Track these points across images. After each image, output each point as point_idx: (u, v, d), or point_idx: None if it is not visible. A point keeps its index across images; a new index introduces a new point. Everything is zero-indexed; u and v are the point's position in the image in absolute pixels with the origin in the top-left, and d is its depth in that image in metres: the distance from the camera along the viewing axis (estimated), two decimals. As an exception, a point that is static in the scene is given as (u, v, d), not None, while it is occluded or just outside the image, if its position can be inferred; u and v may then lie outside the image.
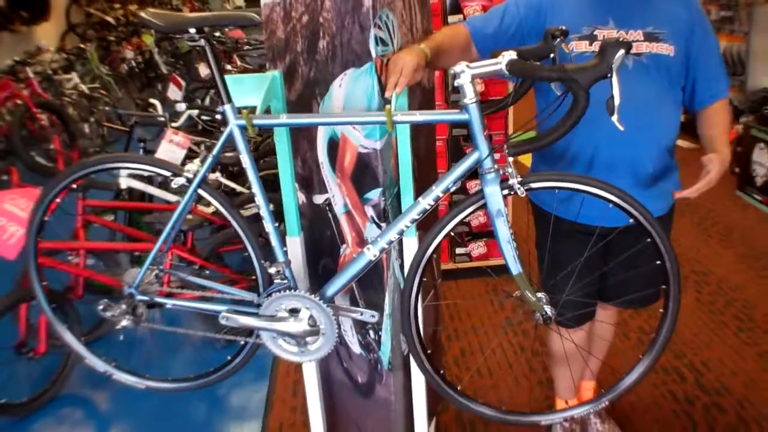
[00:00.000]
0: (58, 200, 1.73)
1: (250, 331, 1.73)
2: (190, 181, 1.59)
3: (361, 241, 1.80)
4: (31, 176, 5.07)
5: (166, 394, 2.52)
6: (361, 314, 1.74)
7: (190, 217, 2.87)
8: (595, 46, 1.69)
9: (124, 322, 1.71)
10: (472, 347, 2.95)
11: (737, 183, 4.68)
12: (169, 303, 1.72)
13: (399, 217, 1.56)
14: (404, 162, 1.71)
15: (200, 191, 1.61)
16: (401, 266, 1.84)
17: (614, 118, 1.31)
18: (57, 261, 2.70)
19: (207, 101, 5.84)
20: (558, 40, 1.47)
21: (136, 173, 3.39)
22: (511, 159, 1.47)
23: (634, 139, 1.68)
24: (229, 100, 1.54)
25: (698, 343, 2.88)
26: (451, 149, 3.37)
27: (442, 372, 1.72)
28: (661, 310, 1.69)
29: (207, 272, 2.96)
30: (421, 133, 1.99)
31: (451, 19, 3.16)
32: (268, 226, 1.61)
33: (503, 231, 1.52)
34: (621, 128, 1.32)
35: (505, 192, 1.51)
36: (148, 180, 3.53)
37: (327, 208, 1.84)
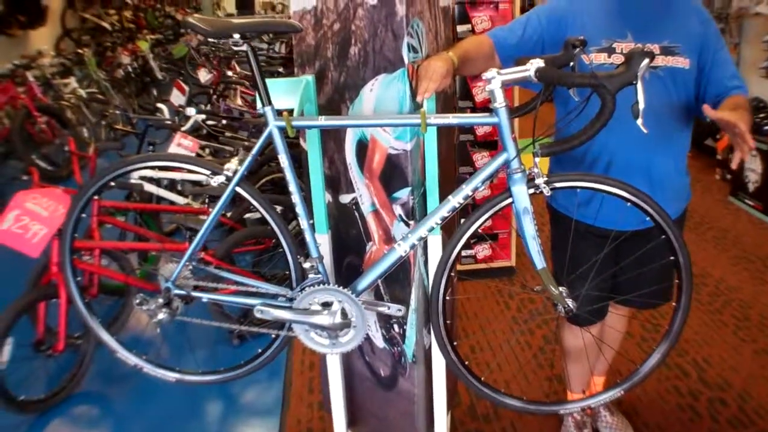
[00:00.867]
0: (96, 197, 1.78)
1: (281, 325, 1.81)
2: (229, 179, 1.66)
3: (388, 239, 1.88)
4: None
5: (182, 391, 2.58)
6: (389, 308, 1.81)
7: (202, 217, 2.94)
8: (614, 59, 1.79)
9: (161, 316, 1.77)
10: (481, 345, 3.03)
11: (730, 189, 4.82)
12: (205, 297, 1.79)
13: (430, 214, 1.64)
14: (431, 162, 1.79)
15: (238, 189, 1.68)
16: (426, 262, 1.92)
17: (639, 121, 1.41)
18: (77, 260, 2.75)
19: (208, 106, 5.91)
20: (578, 49, 1.57)
21: (146, 175, 3.47)
22: (537, 159, 1.56)
23: (650, 146, 1.78)
24: (269, 102, 1.61)
25: (699, 341, 2.99)
26: (458, 153, 3.46)
27: (467, 363, 1.80)
28: (674, 304, 1.78)
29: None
30: (443, 136, 2.08)
31: (459, 28, 3.25)
32: (303, 222, 1.69)
33: (529, 228, 1.61)
34: (645, 131, 1.42)
35: (531, 191, 1.59)
36: (157, 182, 3.60)
37: (354, 207, 1.92)
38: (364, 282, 1.72)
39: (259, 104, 1.64)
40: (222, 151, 4.10)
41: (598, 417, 2.39)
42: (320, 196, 1.85)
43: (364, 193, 1.88)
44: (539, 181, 1.57)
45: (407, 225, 1.82)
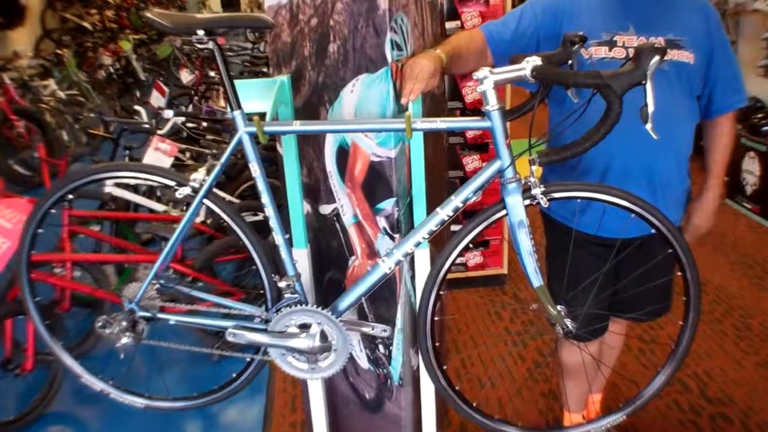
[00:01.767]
0: (52, 211, 1.63)
1: (257, 347, 1.66)
2: (196, 191, 1.52)
3: (372, 253, 1.73)
4: (9, 186, 4.93)
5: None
6: (373, 329, 1.67)
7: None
8: (615, 53, 1.65)
9: (124, 340, 1.62)
10: (472, 359, 2.89)
11: (727, 192, 4.70)
12: (173, 319, 1.64)
13: (416, 228, 1.50)
14: (417, 170, 1.65)
15: (206, 202, 1.54)
16: (413, 278, 1.78)
17: (648, 126, 1.27)
18: (44, 273, 2.59)
19: (190, 108, 5.73)
20: (576, 46, 1.43)
21: (121, 182, 3.30)
22: (534, 168, 1.42)
23: (652, 148, 1.64)
24: (239, 106, 1.47)
25: (700, 353, 2.86)
26: (448, 158, 3.32)
27: (457, 388, 1.66)
28: (680, 323, 1.65)
29: (200, 284, 2.86)
30: (430, 140, 1.94)
31: (448, 25, 3.12)
32: (278, 238, 1.54)
33: (525, 242, 1.47)
34: (655, 137, 1.28)
35: (527, 202, 1.46)
36: (134, 189, 3.44)
37: (334, 218, 1.77)
38: (345, 302, 1.58)
39: (228, 109, 1.49)
40: (203, 155, 3.93)
41: (597, 437, 2.26)
42: (298, 208, 1.71)
43: (345, 204, 1.73)
44: (536, 191, 1.44)
45: (392, 239, 1.68)
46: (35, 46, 9.07)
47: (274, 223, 1.53)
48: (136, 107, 4.20)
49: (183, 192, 1.51)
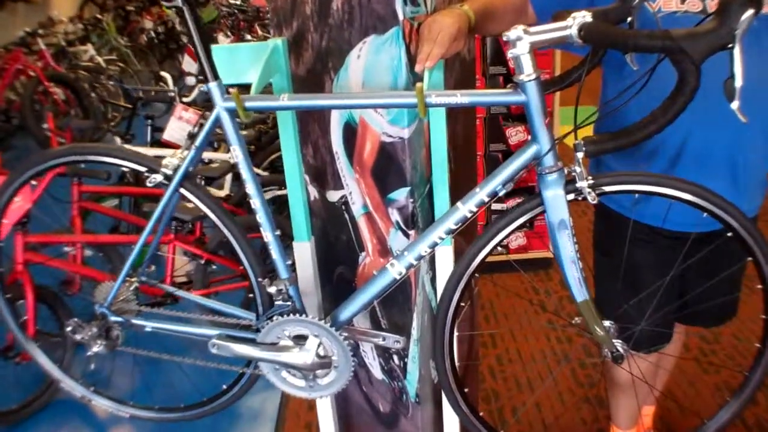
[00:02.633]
0: (16, 199, 1.42)
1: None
2: (169, 178, 1.27)
3: (384, 250, 1.47)
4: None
5: (168, 398, 2.25)
6: (383, 339, 1.42)
7: (192, 206, 2.56)
8: (689, 4, 1.32)
9: (96, 348, 1.41)
10: (510, 354, 2.62)
11: None
12: (150, 325, 1.41)
13: (431, 227, 1.22)
14: (438, 154, 1.37)
15: (182, 191, 1.29)
16: (433, 280, 1.51)
17: (734, 105, 0.96)
18: (46, 256, 2.43)
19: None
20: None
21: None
22: (580, 155, 1.12)
23: (737, 130, 1.30)
24: (216, 77, 1.20)
25: None
26: (489, 130, 3.00)
27: (480, 414, 1.40)
28: (757, 345, 1.34)
29: (214, 267, 2.66)
30: (459, 115, 1.64)
31: None
32: (267, 234, 1.29)
33: (567, 247, 1.18)
34: (744, 120, 0.96)
35: (571, 197, 1.16)
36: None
37: (343, 207, 1.51)
38: (347, 311, 1.32)
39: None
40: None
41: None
42: (298, 194, 1.45)
43: (354, 191, 1.46)
44: (582, 184, 1.14)
45: (406, 236, 1.41)
46: (78, 10, 9.00)
47: (261, 216, 1.28)
48: (163, 73, 4.00)
49: (154, 180, 1.27)
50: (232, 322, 1.37)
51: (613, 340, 1.24)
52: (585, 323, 1.25)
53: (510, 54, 1.07)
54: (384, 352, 1.60)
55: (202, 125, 1.38)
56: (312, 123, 1.47)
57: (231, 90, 1.19)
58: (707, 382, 2.35)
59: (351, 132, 1.40)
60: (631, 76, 1.18)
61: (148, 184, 1.27)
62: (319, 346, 1.32)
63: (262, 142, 3.72)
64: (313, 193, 1.54)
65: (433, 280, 1.51)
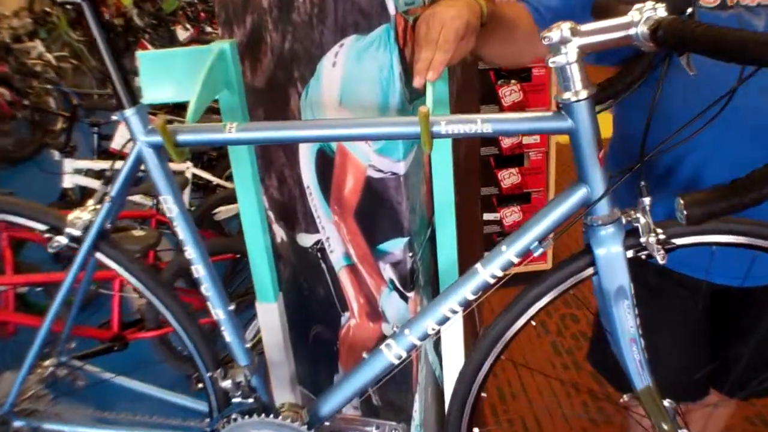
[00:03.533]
0: None
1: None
2: (78, 240, 0.92)
3: (375, 313, 1.14)
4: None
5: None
6: (377, 428, 1.10)
7: (141, 233, 2.20)
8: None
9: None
10: (513, 387, 2.31)
11: None
12: (67, 429, 1.06)
13: (441, 297, 0.89)
14: (443, 191, 1.04)
15: (99, 255, 0.94)
16: (437, 345, 1.19)
17: None
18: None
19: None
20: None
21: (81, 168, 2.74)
22: (647, 202, 0.81)
23: None
24: (133, 102, 0.85)
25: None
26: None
27: None
28: None
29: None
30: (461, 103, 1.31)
31: None
32: (218, 312, 0.95)
33: (626, 322, 0.86)
34: None
35: (630, 253, 0.84)
36: (98, 174, 2.85)
37: (318, 255, 1.18)
38: (330, 405, 0.99)
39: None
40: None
41: None
42: (259, 243, 1.12)
43: (332, 237, 1.13)
44: (648, 239, 0.82)
45: (404, 299, 1.07)
46: (28, 2, 8.43)
47: (209, 288, 0.94)
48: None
49: (57, 244, 0.92)
50: (176, 424, 1.03)
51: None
52: (645, 412, 0.94)
53: (551, 62, 0.74)
54: (377, 433, 1.27)
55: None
56: (276, 149, 1.13)
57: (155, 118, 0.84)
58: None
59: (326, 162, 1.07)
60: (674, 83, 0.87)
61: (50, 250, 0.92)
62: (293, 453, 0.99)
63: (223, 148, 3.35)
64: (280, 234, 1.21)
65: (437, 345, 1.19)
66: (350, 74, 0.96)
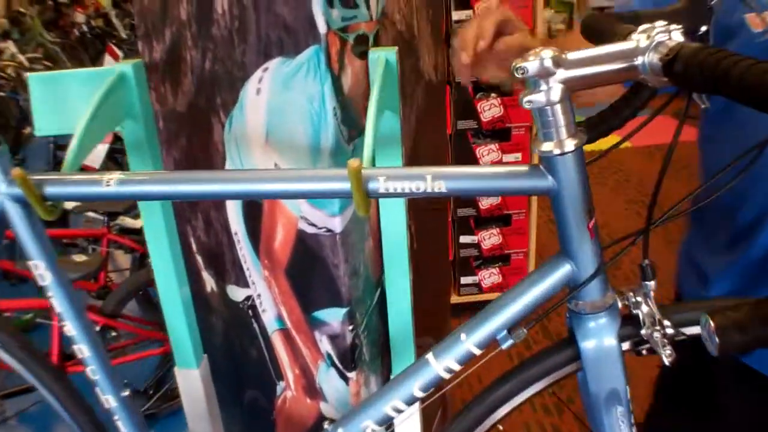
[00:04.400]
0: None
1: None
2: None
3: (312, 389, 0.95)
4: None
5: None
6: None
7: (83, 258, 1.99)
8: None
9: None
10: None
11: None
12: None
13: (381, 391, 0.70)
14: (394, 246, 0.85)
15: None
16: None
17: None
18: None
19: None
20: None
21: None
22: (652, 286, 0.62)
23: None
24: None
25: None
26: (456, 151, 2.48)
27: None
28: None
29: (114, 333, 2.09)
30: (426, 128, 1.13)
31: (455, 15, 2.23)
32: (108, 398, 0.76)
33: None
34: None
35: (626, 346, 0.66)
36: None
37: (250, 312, 0.99)
38: None
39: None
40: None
41: None
42: (175, 298, 0.93)
43: (264, 294, 0.94)
44: (651, 332, 0.63)
45: (344, 379, 0.88)
46: (6, 2, 8.19)
47: (96, 370, 0.75)
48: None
49: None
50: None
51: None
52: None
53: (526, 102, 0.56)
54: None
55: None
56: (201, 185, 0.94)
57: (15, 169, 0.65)
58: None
59: (256, 207, 0.88)
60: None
61: None
62: None
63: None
64: (210, 283, 1.02)
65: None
66: (276, 105, 0.77)
